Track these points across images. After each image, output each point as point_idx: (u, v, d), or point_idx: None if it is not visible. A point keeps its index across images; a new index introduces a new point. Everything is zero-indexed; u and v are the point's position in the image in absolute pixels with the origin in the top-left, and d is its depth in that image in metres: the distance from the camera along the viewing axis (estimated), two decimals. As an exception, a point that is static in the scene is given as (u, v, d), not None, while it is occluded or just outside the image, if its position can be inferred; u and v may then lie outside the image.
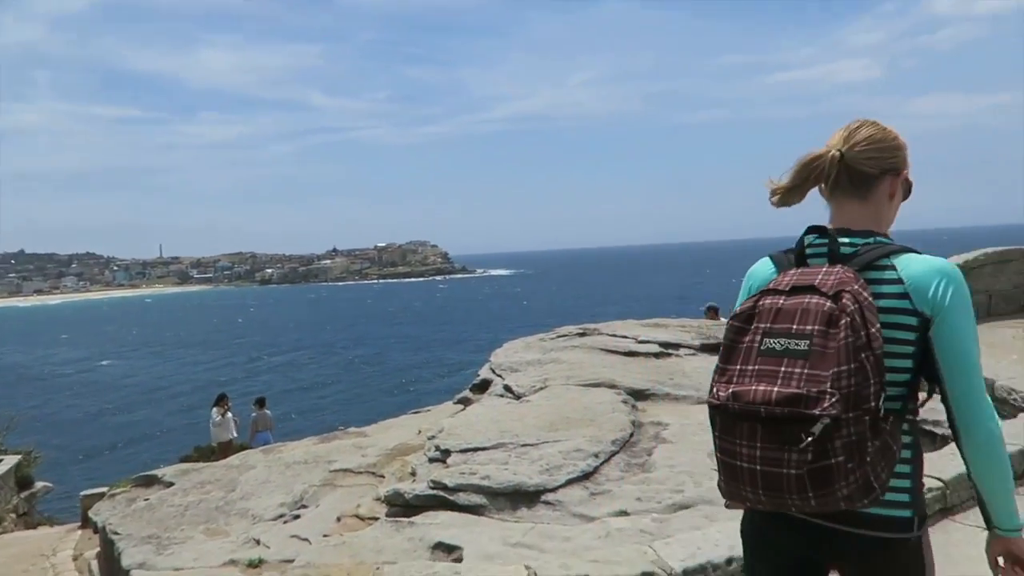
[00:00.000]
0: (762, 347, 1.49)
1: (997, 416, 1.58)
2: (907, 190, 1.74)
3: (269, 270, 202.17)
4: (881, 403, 1.43)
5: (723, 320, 10.06)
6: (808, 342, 1.44)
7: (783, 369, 1.44)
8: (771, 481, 1.43)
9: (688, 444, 5.09)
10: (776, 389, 1.42)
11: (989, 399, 1.58)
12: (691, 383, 6.61)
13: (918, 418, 1.62)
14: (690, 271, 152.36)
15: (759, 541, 1.72)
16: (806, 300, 1.49)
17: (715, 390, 1.54)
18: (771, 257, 1.73)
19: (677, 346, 7.79)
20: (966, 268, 8.42)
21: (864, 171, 1.65)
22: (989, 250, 9.37)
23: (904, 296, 1.54)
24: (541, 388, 6.55)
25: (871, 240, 1.63)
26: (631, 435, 5.28)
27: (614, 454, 4.94)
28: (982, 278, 9.04)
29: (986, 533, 1.65)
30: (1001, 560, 1.63)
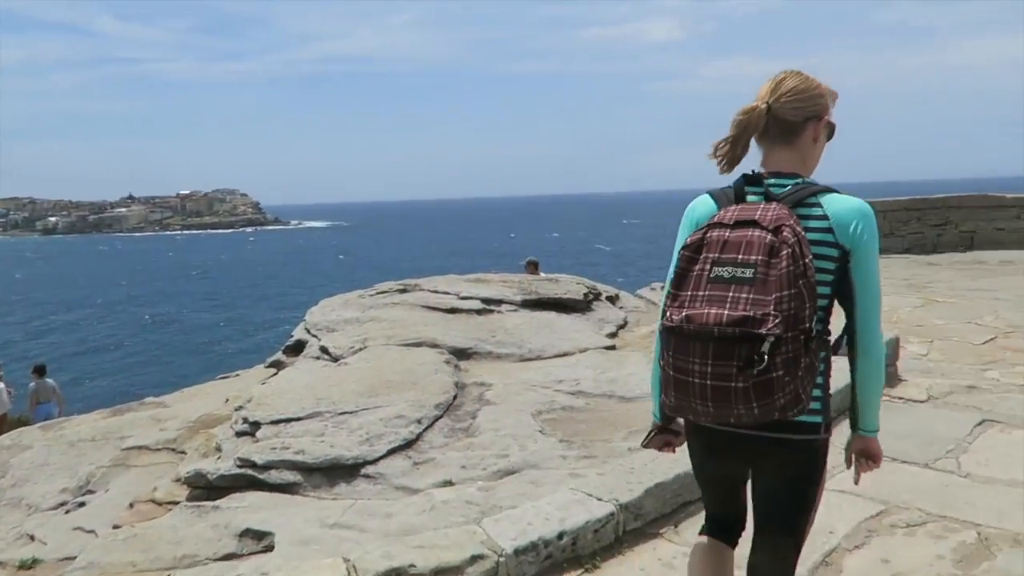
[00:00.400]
0: (711, 275, 1.66)
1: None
2: (830, 132, 1.92)
3: (53, 218, 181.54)
4: (814, 324, 1.63)
5: (543, 275, 10.13)
6: (753, 270, 1.61)
7: (731, 295, 1.61)
8: (720, 394, 1.60)
9: (512, 404, 5.03)
10: (726, 312, 1.59)
11: None
12: (513, 340, 6.56)
13: (830, 337, 1.84)
14: (506, 225, 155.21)
15: (704, 453, 1.96)
16: (749, 233, 1.66)
17: (668, 314, 1.70)
18: (710, 194, 1.90)
19: (499, 302, 7.71)
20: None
21: (789, 120, 1.83)
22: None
23: (829, 231, 1.74)
24: (360, 349, 6.23)
25: (799, 181, 1.82)
26: (454, 397, 5.13)
27: (437, 419, 4.76)
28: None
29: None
30: (854, 457, 1.93)
